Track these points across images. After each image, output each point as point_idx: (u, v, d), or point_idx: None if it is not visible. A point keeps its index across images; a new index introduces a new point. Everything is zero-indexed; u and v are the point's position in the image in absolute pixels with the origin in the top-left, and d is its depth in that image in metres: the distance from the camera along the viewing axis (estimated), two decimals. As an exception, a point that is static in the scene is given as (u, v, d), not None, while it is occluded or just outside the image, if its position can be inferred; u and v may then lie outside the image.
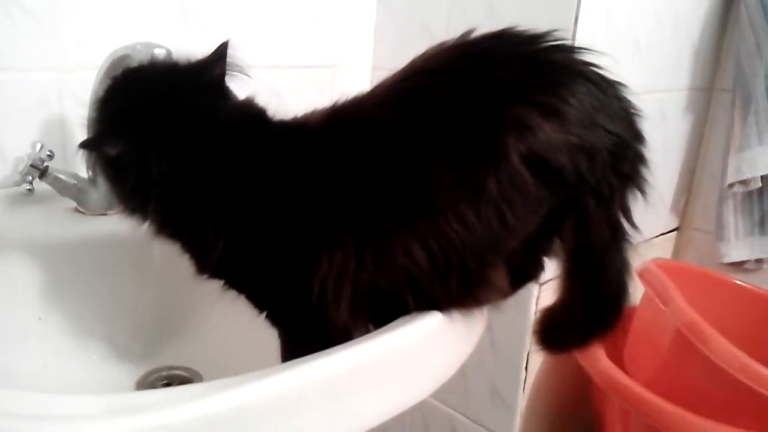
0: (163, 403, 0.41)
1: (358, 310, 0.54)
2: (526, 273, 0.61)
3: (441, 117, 0.52)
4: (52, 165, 0.75)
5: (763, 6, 1.13)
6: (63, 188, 0.77)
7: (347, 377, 0.48)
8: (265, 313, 0.59)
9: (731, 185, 1.17)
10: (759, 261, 1.24)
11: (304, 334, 0.58)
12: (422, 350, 0.54)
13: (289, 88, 1.07)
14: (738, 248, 1.23)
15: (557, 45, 0.55)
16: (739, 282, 1.16)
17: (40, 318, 0.70)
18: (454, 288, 0.53)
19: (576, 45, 0.56)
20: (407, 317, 0.54)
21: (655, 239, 1.29)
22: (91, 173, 0.76)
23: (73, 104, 0.82)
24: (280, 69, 1.06)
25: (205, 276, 0.59)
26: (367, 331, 0.56)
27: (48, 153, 0.74)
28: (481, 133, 0.51)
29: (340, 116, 0.57)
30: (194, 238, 0.57)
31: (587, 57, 0.55)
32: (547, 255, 0.61)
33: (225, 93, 0.60)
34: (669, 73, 1.16)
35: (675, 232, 1.37)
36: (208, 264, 0.58)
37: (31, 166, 0.73)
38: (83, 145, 0.57)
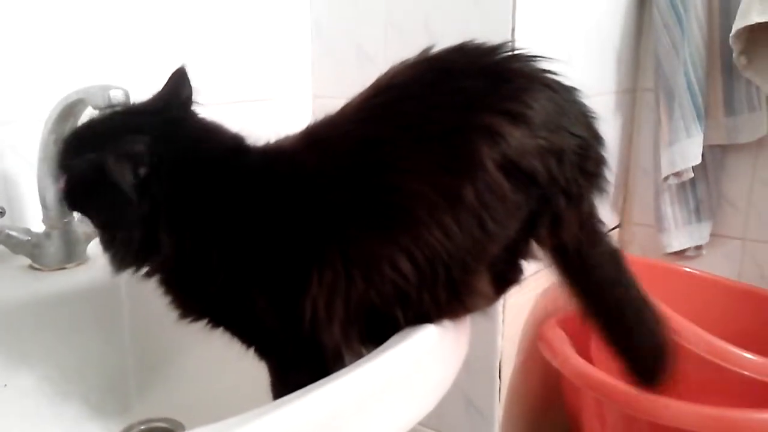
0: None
1: (350, 329, 0.54)
2: (507, 278, 0.63)
3: (413, 129, 0.53)
4: (1, 222, 0.72)
5: (673, 7, 1.21)
6: (16, 245, 0.73)
7: (348, 405, 0.47)
8: (253, 348, 0.58)
9: (666, 178, 1.23)
10: (698, 248, 1.31)
11: (297, 361, 0.57)
12: (423, 365, 0.54)
13: (232, 124, 1.06)
14: (678, 237, 1.29)
15: (515, 54, 0.57)
16: (687, 269, 1.22)
17: (5, 385, 0.66)
18: (443, 298, 0.54)
19: (533, 53, 0.58)
20: (402, 333, 0.54)
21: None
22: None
23: (14, 158, 0.79)
24: (220, 105, 1.04)
25: (191, 318, 0.58)
26: (359, 352, 0.56)
27: (-1, 210, 0.71)
28: (454, 142, 0.52)
29: (315, 138, 0.57)
30: (198, 266, 0.55)
31: (544, 64, 0.57)
32: (524, 258, 0.62)
33: (197, 115, 0.60)
34: (596, 78, 1.22)
35: (617, 229, 1.42)
36: (202, 298, 0.56)
37: (-19, 225, 0.69)
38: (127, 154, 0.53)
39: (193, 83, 0.62)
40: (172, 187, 0.54)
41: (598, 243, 0.62)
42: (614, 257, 0.63)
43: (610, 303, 0.64)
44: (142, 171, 0.52)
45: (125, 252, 0.56)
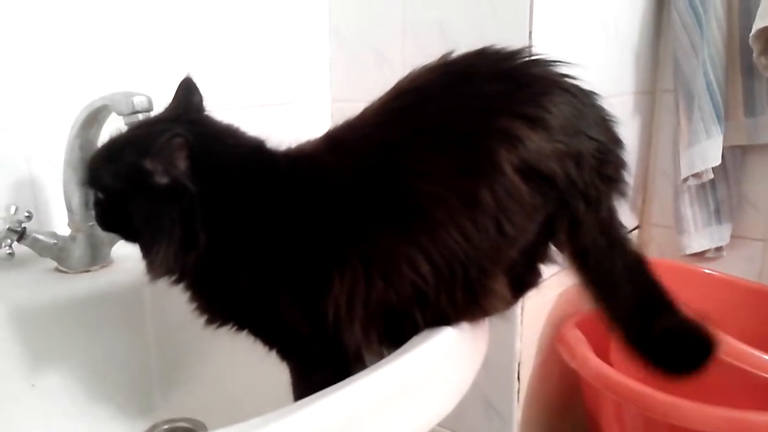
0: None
1: (371, 329, 0.55)
2: (525, 281, 0.63)
3: (432, 132, 0.54)
4: (28, 226, 0.73)
5: (692, 8, 1.20)
6: (43, 249, 0.75)
7: (369, 406, 0.47)
8: (276, 349, 0.59)
9: (685, 179, 1.23)
10: (718, 249, 1.30)
11: (320, 362, 0.58)
12: (441, 367, 0.54)
13: (252, 127, 1.07)
14: (698, 239, 1.28)
15: (534, 59, 0.57)
16: (707, 271, 1.22)
17: (33, 385, 0.68)
18: (461, 299, 0.55)
19: (552, 58, 0.58)
20: (421, 336, 0.54)
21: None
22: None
23: (40, 163, 0.80)
24: (240, 109, 1.06)
25: (217, 323, 0.59)
26: (380, 353, 0.56)
27: (26, 214, 0.72)
28: (473, 146, 0.52)
29: (336, 141, 0.58)
30: (226, 268, 0.56)
31: (563, 69, 0.58)
32: (543, 262, 0.62)
33: (217, 122, 0.61)
34: (615, 80, 1.22)
35: (636, 230, 1.42)
36: (228, 301, 0.57)
37: (9, 229, 0.71)
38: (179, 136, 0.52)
39: (201, 90, 0.63)
40: (205, 184, 0.54)
41: (619, 247, 0.61)
42: (637, 262, 0.61)
43: (628, 306, 0.61)
44: (183, 165, 0.53)
45: (165, 254, 0.55)
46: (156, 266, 0.56)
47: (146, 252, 0.57)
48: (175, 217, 0.54)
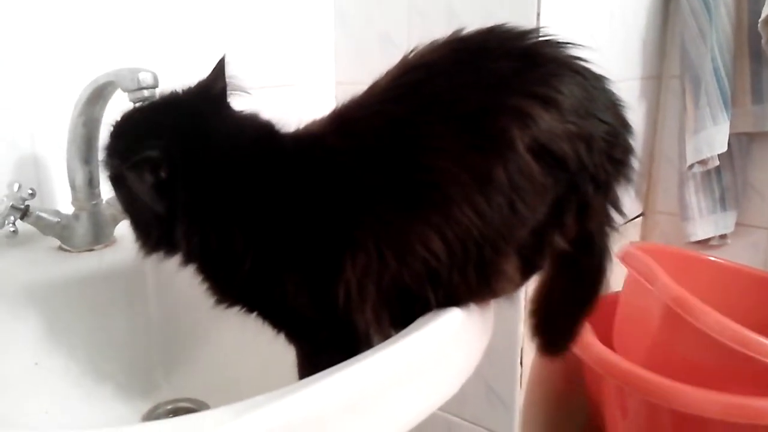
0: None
1: (383, 311, 0.54)
2: (533, 263, 0.62)
3: (443, 108, 0.53)
4: (31, 204, 0.73)
5: (701, -7, 1.19)
6: (46, 227, 0.75)
7: (372, 387, 0.47)
8: (284, 332, 0.59)
9: (691, 166, 1.22)
10: (723, 237, 1.30)
11: (329, 345, 0.57)
12: (446, 349, 0.54)
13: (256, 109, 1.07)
14: (703, 226, 1.28)
15: (546, 39, 0.57)
16: (712, 258, 1.21)
17: (36, 363, 0.68)
18: (473, 278, 0.54)
19: (564, 39, 0.57)
20: (426, 317, 0.54)
21: (623, 225, 1.33)
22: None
23: (44, 141, 0.80)
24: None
25: (226, 304, 0.59)
26: (388, 336, 0.56)
27: (29, 192, 0.72)
28: (485, 123, 0.52)
29: (344, 119, 0.57)
30: (222, 257, 0.56)
31: (574, 51, 0.57)
32: (550, 245, 0.62)
33: (229, 107, 0.61)
34: (621, 64, 1.21)
35: (641, 217, 1.41)
36: (234, 286, 0.57)
37: (12, 207, 0.71)
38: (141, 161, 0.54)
39: (229, 73, 0.62)
40: (193, 185, 0.55)
41: (609, 234, 0.62)
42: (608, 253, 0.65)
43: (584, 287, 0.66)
44: (163, 174, 0.54)
45: (143, 244, 0.60)
46: (140, 250, 0.61)
47: (134, 236, 0.61)
48: (150, 221, 0.57)
